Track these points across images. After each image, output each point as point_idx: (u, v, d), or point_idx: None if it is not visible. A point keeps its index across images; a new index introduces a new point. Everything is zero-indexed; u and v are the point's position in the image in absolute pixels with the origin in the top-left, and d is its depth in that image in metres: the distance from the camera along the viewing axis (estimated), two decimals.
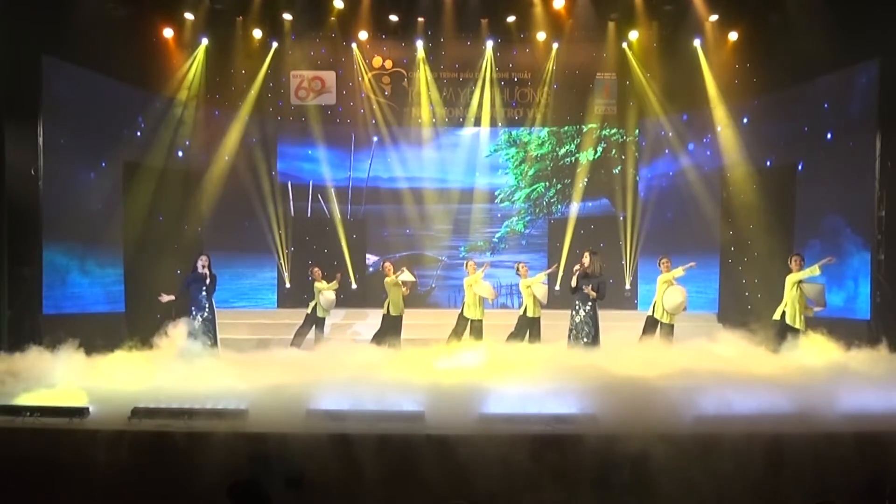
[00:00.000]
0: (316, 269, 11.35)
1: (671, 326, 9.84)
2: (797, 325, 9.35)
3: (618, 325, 10.33)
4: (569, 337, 9.39)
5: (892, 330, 9.88)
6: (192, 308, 9.39)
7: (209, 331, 9.43)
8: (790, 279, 9.50)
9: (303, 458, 5.59)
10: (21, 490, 5.63)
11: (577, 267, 9.49)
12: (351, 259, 14.15)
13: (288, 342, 10.79)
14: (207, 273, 9.52)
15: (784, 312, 9.44)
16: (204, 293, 9.47)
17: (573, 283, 9.42)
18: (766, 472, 5.44)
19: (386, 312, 10.84)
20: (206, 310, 9.47)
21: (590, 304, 9.27)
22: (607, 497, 5.37)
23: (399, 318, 10.88)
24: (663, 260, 10.24)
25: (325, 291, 11.00)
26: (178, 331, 9.10)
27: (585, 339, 9.18)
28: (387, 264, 11.34)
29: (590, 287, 9.33)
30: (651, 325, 9.89)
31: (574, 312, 9.37)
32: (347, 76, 14.11)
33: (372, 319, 12.15)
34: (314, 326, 11.04)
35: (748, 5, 11.98)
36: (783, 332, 9.33)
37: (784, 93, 12.00)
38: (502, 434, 5.75)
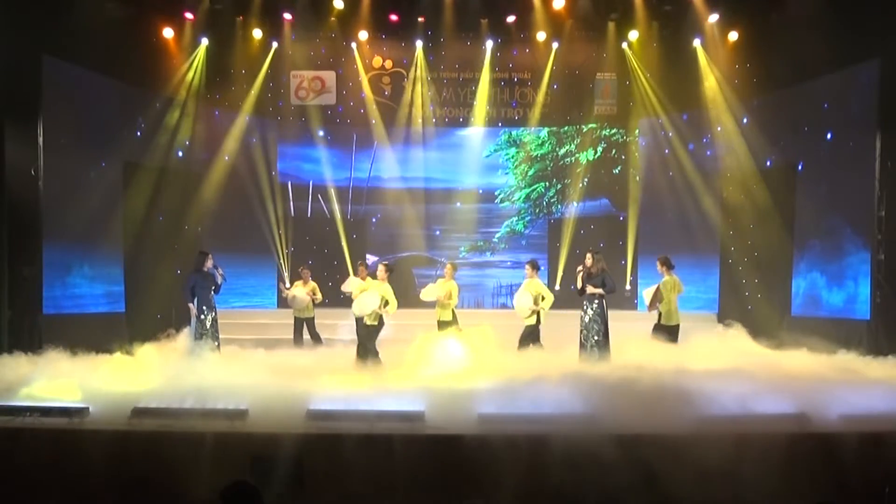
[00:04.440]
0: (305, 270, 11.28)
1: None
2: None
3: (618, 326, 10.27)
4: (580, 337, 9.37)
5: (892, 330, 9.89)
6: (204, 308, 9.25)
7: (217, 330, 9.39)
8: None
9: (303, 458, 5.60)
10: (21, 490, 5.63)
11: (580, 267, 9.46)
12: (351, 259, 14.15)
13: (288, 342, 10.80)
14: (218, 272, 9.43)
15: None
16: (213, 292, 9.39)
17: (578, 284, 9.39)
18: (766, 473, 5.44)
19: None
20: (215, 310, 9.40)
21: (597, 302, 9.26)
22: (607, 497, 5.36)
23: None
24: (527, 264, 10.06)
25: (294, 291, 10.96)
26: (185, 331, 9.07)
27: (596, 337, 9.18)
28: (360, 267, 11.00)
29: (592, 286, 9.30)
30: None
31: (583, 312, 9.36)
32: (347, 76, 14.12)
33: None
34: (303, 327, 11.06)
35: (748, 5, 11.98)
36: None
37: (784, 93, 11.99)
38: (502, 434, 5.75)
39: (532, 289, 9.65)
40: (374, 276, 10.41)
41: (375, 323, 9.62)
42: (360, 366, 9.22)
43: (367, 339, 9.56)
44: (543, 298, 9.56)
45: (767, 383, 6.83)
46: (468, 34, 13.67)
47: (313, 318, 11.16)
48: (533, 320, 9.59)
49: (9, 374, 7.46)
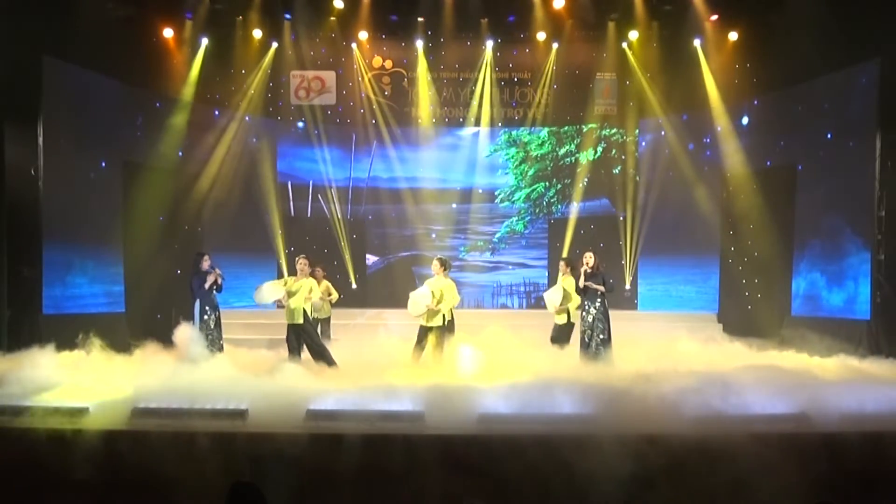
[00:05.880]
0: (317, 269, 10.56)
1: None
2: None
3: (617, 325, 10.28)
4: (582, 337, 9.23)
5: (892, 330, 9.89)
6: (207, 308, 9.18)
7: (220, 330, 9.32)
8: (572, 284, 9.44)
9: (303, 458, 5.60)
10: (21, 490, 5.63)
11: (584, 267, 9.36)
12: (351, 259, 14.16)
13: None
14: (215, 271, 9.37)
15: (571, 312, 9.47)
16: (215, 292, 9.35)
17: (580, 284, 9.31)
18: (766, 473, 5.44)
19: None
20: (218, 309, 9.34)
21: (599, 301, 9.21)
22: (608, 497, 5.36)
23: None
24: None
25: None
26: (189, 331, 9.01)
27: (602, 336, 9.11)
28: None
29: (596, 283, 9.25)
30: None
31: (585, 312, 9.24)
32: (347, 76, 14.13)
33: (373, 319, 12.15)
34: (317, 328, 10.84)
35: (748, 5, 11.99)
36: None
37: (784, 93, 12.00)
38: (502, 434, 5.75)
39: (437, 286, 9.20)
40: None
41: (300, 321, 8.94)
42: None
43: (310, 341, 9.03)
44: (441, 300, 9.08)
45: (768, 383, 6.83)
46: (468, 34, 13.68)
47: (329, 319, 10.99)
48: (438, 321, 9.11)
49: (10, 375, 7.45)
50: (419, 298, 9.12)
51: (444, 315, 9.18)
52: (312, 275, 10.72)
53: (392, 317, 12.18)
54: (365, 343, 10.56)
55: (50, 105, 10.19)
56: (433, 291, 9.12)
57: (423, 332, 9.18)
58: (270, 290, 9.18)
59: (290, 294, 9.02)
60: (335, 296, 10.83)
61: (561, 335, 9.51)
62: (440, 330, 9.15)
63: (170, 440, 5.73)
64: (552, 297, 9.53)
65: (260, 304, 9.45)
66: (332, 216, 14.32)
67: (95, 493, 5.54)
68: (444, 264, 9.48)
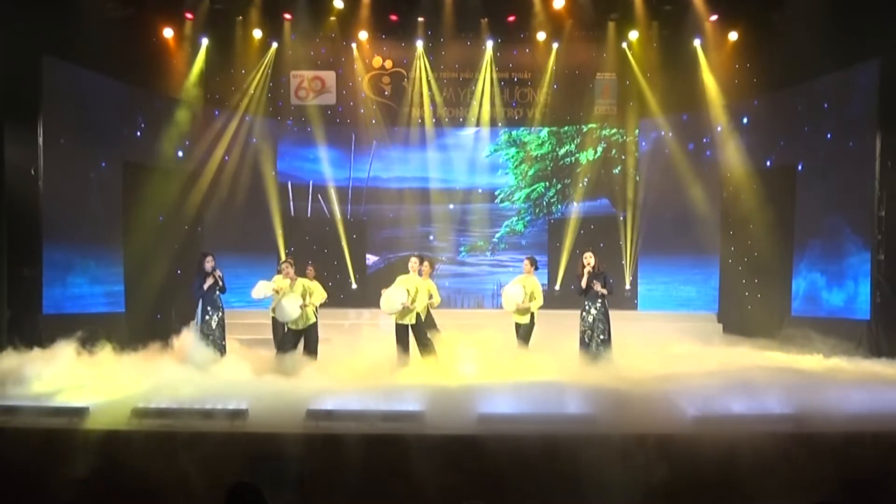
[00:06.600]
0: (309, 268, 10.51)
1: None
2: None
3: (618, 326, 10.28)
4: (582, 338, 9.17)
5: (892, 330, 9.89)
6: (209, 308, 9.15)
7: (223, 330, 9.31)
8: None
9: (303, 458, 5.60)
10: (21, 490, 5.63)
11: (587, 269, 9.29)
12: (351, 259, 14.15)
13: None
14: (215, 273, 9.36)
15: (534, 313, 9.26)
16: (218, 293, 9.34)
17: (583, 284, 9.25)
18: (766, 472, 5.44)
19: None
20: (221, 310, 9.32)
21: (600, 301, 9.18)
22: (608, 497, 5.36)
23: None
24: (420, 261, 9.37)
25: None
26: (189, 335, 9.00)
27: (602, 336, 9.07)
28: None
29: (600, 285, 9.22)
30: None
31: (585, 313, 9.19)
32: (347, 76, 14.13)
33: (373, 319, 12.13)
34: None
35: (748, 5, 11.99)
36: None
37: (784, 93, 12.00)
38: (502, 434, 5.75)
39: (410, 284, 9.02)
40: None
41: (314, 320, 9.21)
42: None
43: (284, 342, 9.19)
44: (415, 299, 8.90)
45: (769, 383, 6.83)
46: (468, 34, 13.68)
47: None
48: (412, 319, 8.97)
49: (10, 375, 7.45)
50: (393, 295, 8.96)
51: (418, 313, 9.06)
52: (303, 274, 10.74)
53: (388, 317, 12.17)
54: (363, 343, 10.56)
55: (50, 105, 10.20)
56: (407, 289, 8.99)
57: (402, 330, 9.05)
58: (268, 287, 9.28)
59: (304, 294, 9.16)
60: (323, 296, 10.81)
61: (522, 335, 9.27)
62: (418, 328, 9.02)
63: (170, 440, 5.73)
64: (514, 295, 9.20)
65: (257, 300, 9.51)
66: (332, 216, 14.32)
67: (95, 493, 5.54)
68: (423, 262, 9.39)
